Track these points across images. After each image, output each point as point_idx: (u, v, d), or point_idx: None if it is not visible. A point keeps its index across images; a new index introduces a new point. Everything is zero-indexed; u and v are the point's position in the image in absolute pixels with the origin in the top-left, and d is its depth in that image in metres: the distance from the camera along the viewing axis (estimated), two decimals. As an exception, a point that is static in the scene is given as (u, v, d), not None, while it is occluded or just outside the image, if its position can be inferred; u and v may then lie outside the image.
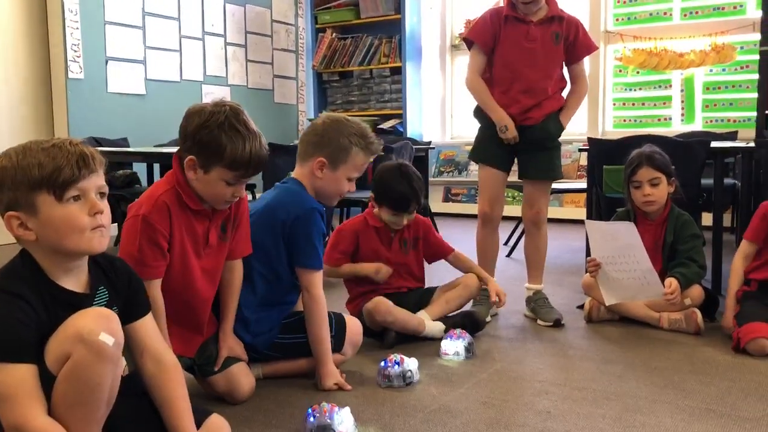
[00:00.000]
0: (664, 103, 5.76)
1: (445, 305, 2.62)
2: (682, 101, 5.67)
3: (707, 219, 3.17)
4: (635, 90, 5.88)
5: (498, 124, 2.77)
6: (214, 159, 1.74)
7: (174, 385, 1.47)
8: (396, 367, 2.06)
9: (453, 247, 2.76)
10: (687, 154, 3.03)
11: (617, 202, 3.00)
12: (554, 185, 3.10)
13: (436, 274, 2.85)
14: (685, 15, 5.61)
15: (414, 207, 2.60)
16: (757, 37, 4.68)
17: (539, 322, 2.80)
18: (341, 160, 2.10)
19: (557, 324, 2.74)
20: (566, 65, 2.86)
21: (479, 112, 2.89)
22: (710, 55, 5.38)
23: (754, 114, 4.50)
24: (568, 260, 4.13)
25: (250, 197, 3.57)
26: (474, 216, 3.05)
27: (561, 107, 2.84)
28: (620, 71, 5.90)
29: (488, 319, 2.79)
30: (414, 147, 4.61)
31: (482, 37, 2.81)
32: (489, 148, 2.87)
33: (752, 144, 3.41)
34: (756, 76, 4.48)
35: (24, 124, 4.89)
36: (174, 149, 1.92)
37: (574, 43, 2.81)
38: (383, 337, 2.47)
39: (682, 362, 2.30)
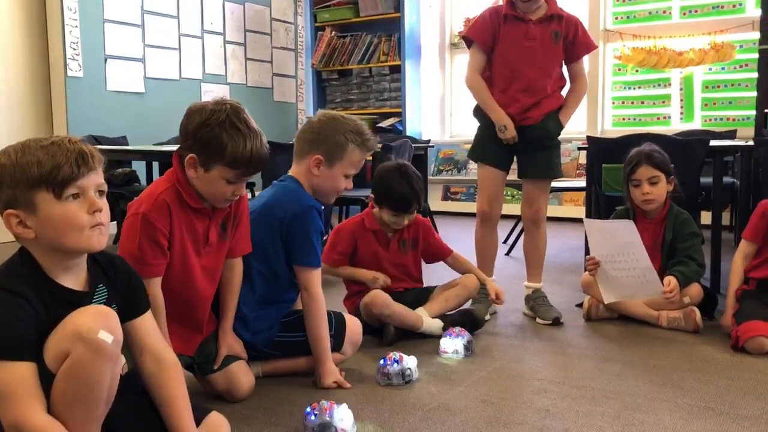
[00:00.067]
0: (664, 102, 5.76)
1: (444, 303, 2.62)
2: (682, 100, 5.67)
3: (706, 217, 3.18)
4: (634, 88, 5.88)
5: (497, 123, 2.77)
6: (214, 157, 1.74)
7: (173, 383, 1.47)
8: (395, 365, 2.06)
9: (452, 248, 2.76)
10: (686, 153, 3.03)
11: (616, 200, 3.00)
12: (553, 184, 3.09)
13: (435, 274, 2.85)
14: (684, 14, 5.61)
15: (415, 207, 2.60)
16: (756, 35, 4.68)
17: (538, 320, 2.80)
18: (338, 157, 2.09)
19: (556, 322, 2.74)
20: (565, 64, 2.86)
21: (479, 112, 2.89)
22: (709, 53, 5.37)
23: (753, 112, 4.49)
24: (567, 259, 4.13)
25: (249, 196, 3.57)
26: (473, 214, 3.05)
27: (560, 106, 2.84)
28: (619, 70, 5.90)
29: (487, 317, 2.80)
30: (413, 145, 4.61)
31: (481, 36, 2.81)
32: (488, 147, 2.87)
33: (751, 142, 3.42)
34: (755, 75, 4.47)
35: (23, 122, 4.88)
36: (173, 147, 1.92)
37: (573, 41, 2.81)
38: (382, 334, 2.47)
39: (680, 360, 2.30)
